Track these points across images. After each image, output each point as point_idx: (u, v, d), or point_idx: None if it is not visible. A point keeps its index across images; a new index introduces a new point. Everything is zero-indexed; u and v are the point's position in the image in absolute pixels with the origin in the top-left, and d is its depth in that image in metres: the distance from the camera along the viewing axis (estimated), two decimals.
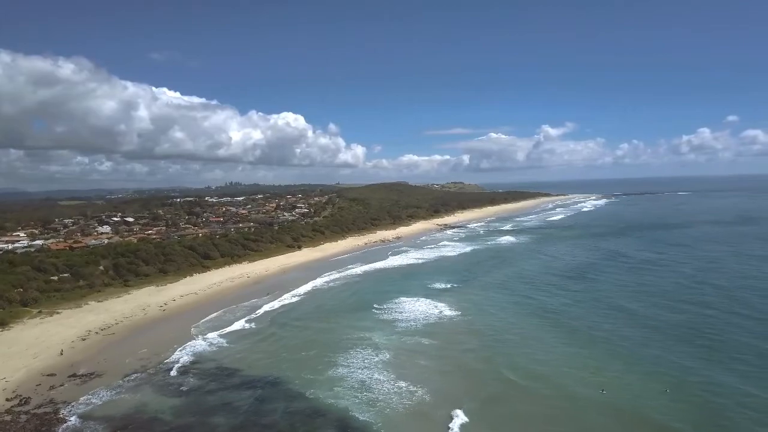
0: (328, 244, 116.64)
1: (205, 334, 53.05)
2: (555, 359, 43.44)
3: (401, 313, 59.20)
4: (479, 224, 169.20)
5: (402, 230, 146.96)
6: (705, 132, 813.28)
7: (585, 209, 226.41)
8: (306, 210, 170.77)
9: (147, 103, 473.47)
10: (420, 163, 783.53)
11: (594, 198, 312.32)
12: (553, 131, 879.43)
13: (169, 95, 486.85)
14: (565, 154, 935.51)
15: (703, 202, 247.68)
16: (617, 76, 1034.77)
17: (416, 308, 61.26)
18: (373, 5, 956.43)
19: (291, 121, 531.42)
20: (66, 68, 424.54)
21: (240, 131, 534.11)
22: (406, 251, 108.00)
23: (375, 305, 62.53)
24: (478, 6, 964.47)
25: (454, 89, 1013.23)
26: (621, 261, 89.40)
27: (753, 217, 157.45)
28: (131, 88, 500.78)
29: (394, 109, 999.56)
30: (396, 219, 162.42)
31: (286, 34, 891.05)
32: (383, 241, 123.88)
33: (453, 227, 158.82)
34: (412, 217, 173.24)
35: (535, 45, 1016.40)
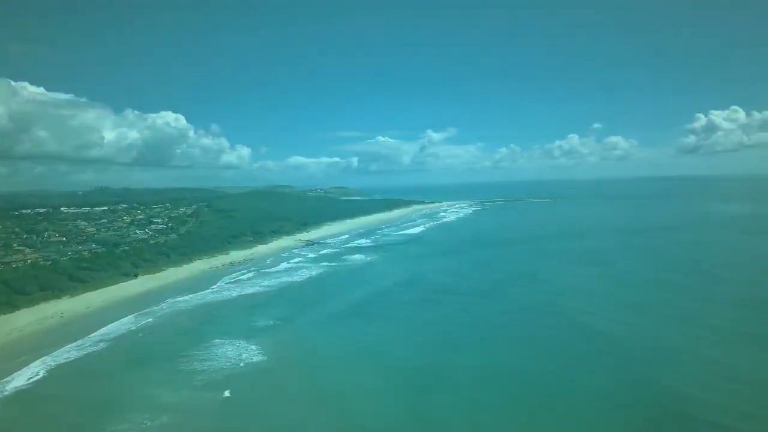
0: (171, 269, 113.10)
1: None
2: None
3: (205, 361, 60.13)
4: (342, 238, 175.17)
5: (260, 249, 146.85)
6: (574, 138, 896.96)
7: (445, 220, 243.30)
8: (162, 226, 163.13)
9: (4, 99, 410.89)
10: (308, 165, 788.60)
11: (462, 205, 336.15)
12: (436, 135, 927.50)
13: (30, 90, 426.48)
14: (448, 158, 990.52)
15: (554, 212, 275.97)
16: (494, 82, 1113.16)
17: (227, 354, 62.32)
18: (267, 6, 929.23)
19: (171, 120, 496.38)
20: None
21: (114, 131, 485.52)
22: (251, 277, 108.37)
23: (183, 351, 63.00)
24: (366, 5, 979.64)
25: (344, 93, 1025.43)
26: (420, 287, 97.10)
27: (582, 231, 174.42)
28: None
29: (281, 111, 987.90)
30: (257, 235, 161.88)
31: (167, 30, 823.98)
32: (233, 264, 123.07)
33: (315, 243, 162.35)
34: (277, 233, 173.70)
35: (416, 50, 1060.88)
